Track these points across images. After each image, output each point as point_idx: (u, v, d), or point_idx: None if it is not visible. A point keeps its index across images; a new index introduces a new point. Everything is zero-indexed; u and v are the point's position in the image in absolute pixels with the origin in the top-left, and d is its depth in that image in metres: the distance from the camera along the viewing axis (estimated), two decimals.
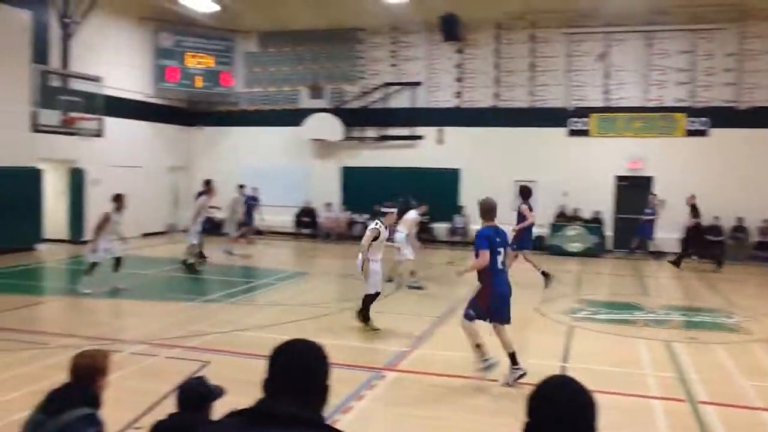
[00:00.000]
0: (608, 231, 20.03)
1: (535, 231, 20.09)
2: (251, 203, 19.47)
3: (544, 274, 13.86)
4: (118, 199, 12.43)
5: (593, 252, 19.03)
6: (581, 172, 20.15)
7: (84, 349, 3.60)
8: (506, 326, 7.49)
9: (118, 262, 12.30)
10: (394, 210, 10.40)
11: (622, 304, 12.55)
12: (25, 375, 7.14)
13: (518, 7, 20.11)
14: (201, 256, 15.65)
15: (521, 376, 7.23)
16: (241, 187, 18.55)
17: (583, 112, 20.58)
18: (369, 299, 9.61)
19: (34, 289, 13.45)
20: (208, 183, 16.08)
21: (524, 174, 20.76)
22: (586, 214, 20.05)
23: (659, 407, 6.87)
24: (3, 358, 7.82)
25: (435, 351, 8.68)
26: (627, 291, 14.15)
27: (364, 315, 9.65)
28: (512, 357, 7.36)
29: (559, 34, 20.73)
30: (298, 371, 2.18)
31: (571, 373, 6.93)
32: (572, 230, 19.35)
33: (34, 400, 3.48)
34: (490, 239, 7.25)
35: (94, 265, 11.97)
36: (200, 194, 16.20)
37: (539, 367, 7.91)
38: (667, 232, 18.28)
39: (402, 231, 12.94)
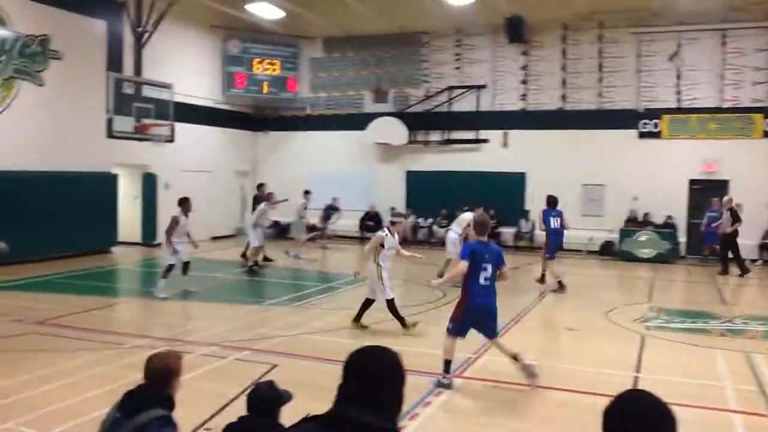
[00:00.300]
0: (681, 236, 19.38)
1: (605, 236, 19.82)
2: (330, 212, 20.00)
3: (560, 284, 13.78)
4: (184, 202, 12.66)
5: (665, 258, 18.43)
6: (652, 176, 19.57)
7: (157, 351, 3.66)
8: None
9: (186, 265, 12.57)
10: (403, 219, 10.42)
11: (696, 312, 12.09)
12: (102, 374, 7.37)
13: (585, 7, 19.68)
14: (266, 259, 15.98)
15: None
16: (307, 192, 18.77)
17: (654, 113, 19.99)
18: (391, 305, 9.72)
19: (110, 291, 13.93)
20: (261, 186, 16.54)
21: (592, 177, 20.39)
22: (658, 219, 19.44)
23: (739, 422, 6.57)
24: (82, 357, 8.10)
25: (500, 359, 8.53)
26: (702, 299, 13.65)
27: (357, 316, 9.88)
28: (515, 357, 7.34)
29: (628, 33, 20.19)
30: (373, 378, 2.16)
31: (644, 385, 6.73)
32: (643, 235, 18.81)
33: (111, 399, 3.56)
34: (474, 252, 7.24)
35: (170, 267, 12.25)
36: (256, 198, 16.72)
37: (611, 377, 7.72)
38: (745, 238, 17.49)
39: (455, 230, 13.01)
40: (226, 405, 6.41)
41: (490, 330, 7.47)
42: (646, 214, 19.55)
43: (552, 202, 14.56)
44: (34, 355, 8.19)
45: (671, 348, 9.47)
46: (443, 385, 7.24)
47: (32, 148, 16.09)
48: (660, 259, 18.35)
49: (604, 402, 2.19)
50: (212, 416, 6.13)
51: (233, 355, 8.41)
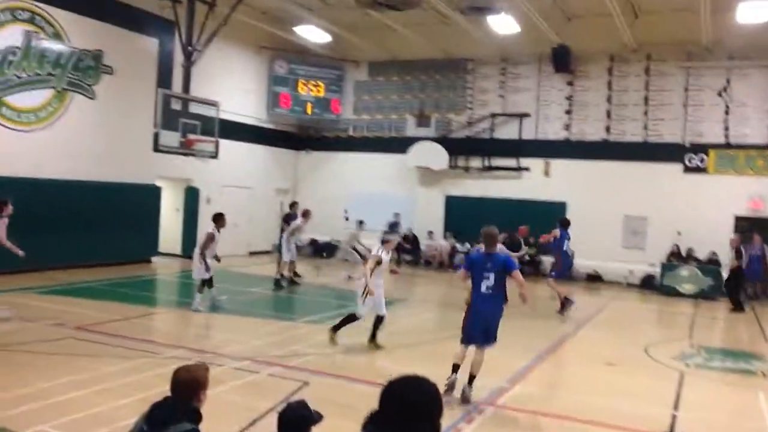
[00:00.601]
0: (725, 273, 18.86)
1: (646, 269, 19.45)
2: (393, 228, 20.23)
3: (567, 300, 13.96)
4: (219, 218, 12.72)
5: (708, 295, 17.95)
6: (697, 211, 19.17)
7: (185, 363, 3.66)
8: (486, 349, 7.76)
9: (210, 279, 12.55)
10: (394, 238, 10.51)
11: (739, 352, 11.74)
12: (136, 382, 7.43)
13: (634, 39, 19.52)
14: (295, 274, 16.11)
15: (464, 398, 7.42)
16: (361, 223, 19.12)
17: (701, 148, 19.64)
18: (352, 318, 9.99)
19: (148, 300, 14.13)
20: (293, 205, 16.85)
21: (635, 210, 20.10)
22: (702, 255, 19.00)
23: None
24: (118, 364, 8.21)
25: (535, 389, 8.40)
26: (744, 337, 13.26)
27: (335, 327, 9.99)
28: (471, 379, 7.57)
29: (676, 67, 19.96)
30: (411, 408, 2.15)
31: (684, 424, 6.53)
32: (686, 271, 18.38)
33: (143, 408, 3.57)
34: (473, 262, 7.76)
35: (204, 282, 12.29)
36: (287, 216, 16.93)
37: (649, 414, 7.53)
38: None
39: None
40: (256, 420, 6.41)
41: (492, 333, 7.70)
42: (689, 249, 19.13)
43: (566, 223, 14.79)
44: (72, 360, 8.33)
45: (711, 387, 9.21)
46: (448, 386, 7.44)
47: (81, 158, 16.53)
48: (702, 296, 17.90)
49: None
50: (242, 431, 6.13)
51: (265, 370, 8.42)
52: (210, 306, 12.41)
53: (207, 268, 12.19)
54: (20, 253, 11.32)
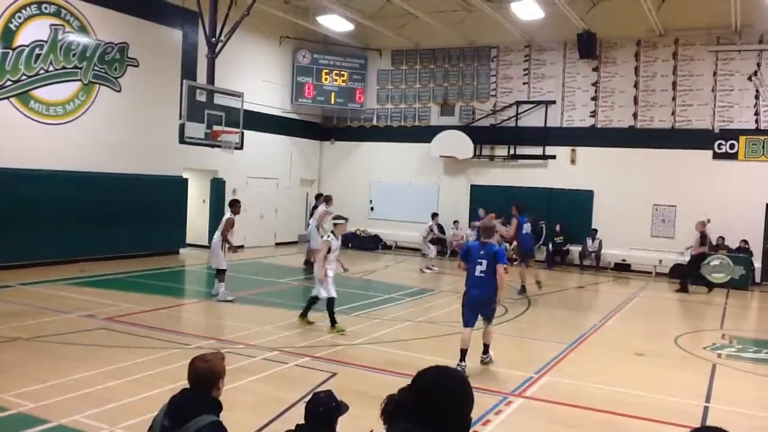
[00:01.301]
0: (757, 262, 18.58)
1: (675, 258, 19.18)
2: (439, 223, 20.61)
3: (523, 288, 14.40)
4: (235, 204, 12.91)
5: (739, 284, 17.67)
6: (727, 198, 18.84)
7: (200, 353, 3.66)
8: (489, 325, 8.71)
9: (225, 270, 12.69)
10: (343, 221, 10.68)
11: None
12: (166, 373, 7.51)
13: (661, 24, 19.18)
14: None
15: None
16: (435, 215, 19.94)
17: (731, 134, 19.27)
18: (330, 303, 10.29)
19: (177, 291, 14.27)
20: (319, 197, 17.11)
21: (663, 198, 19.84)
22: (732, 243, 18.70)
23: None
24: (148, 355, 8.30)
25: (564, 380, 8.34)
26: None
27: (331, 318, 10.29)
28: (485, 348, 8.76)
29: (706, 51, 19.58)
30: (440, 400, 2.12)
31: (715, 415, 6.41)
32: (716, 260, 18.08)
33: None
34: (468, 250, 8.65)
35: (224, 271, 12.48)
36: (315, 207, 17.12)
37: (681, 406, 7.45)
38: None
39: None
40: (285, 410, 6.45)
41: (488, 311, 8.56)
42: (719, 238, 18.83)
43: (523, 208, 14.97)
44: (104, 350, 8.44)
45: (744, 378, 9.05)
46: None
47: (108, 151, 16.70)
48: (733, 285, 17.61)
49: None
50: (271, 421, 6.17)
51: (293, 361, 8.46)
52: (213, 295, 12.60)
53: (234, 247, 12.47)
54: None
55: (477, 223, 16.62)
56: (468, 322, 8.43)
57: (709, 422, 6.89)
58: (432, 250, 19.35)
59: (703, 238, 16.76)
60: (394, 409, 2.18)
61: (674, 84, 20.01)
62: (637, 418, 6.96)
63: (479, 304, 8.43)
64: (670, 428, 6.63)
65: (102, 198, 16.30)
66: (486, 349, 8.74)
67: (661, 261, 19.33)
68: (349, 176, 24.46)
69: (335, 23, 21.24)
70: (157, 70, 17.97)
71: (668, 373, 9.06)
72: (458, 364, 8.05)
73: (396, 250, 22.87)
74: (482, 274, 8.34)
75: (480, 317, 8.55)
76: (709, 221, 18.92)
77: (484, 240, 8.60)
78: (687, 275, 17.08)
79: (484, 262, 8.32)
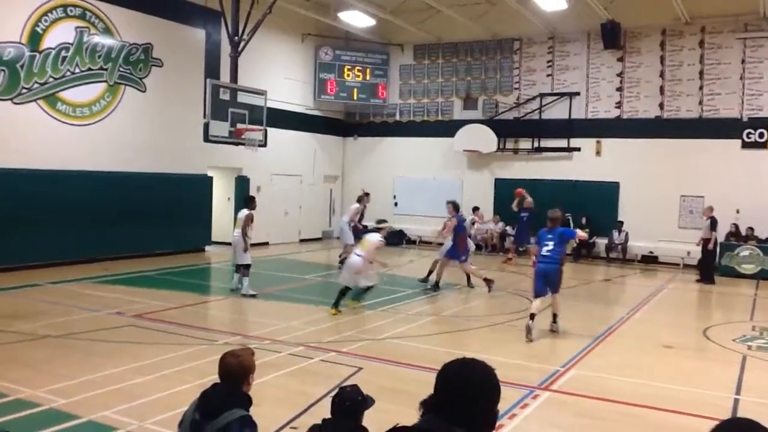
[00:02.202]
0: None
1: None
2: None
3: (486, 280, 14.28)
4: (252, 200, 13.18)
5: None
6: (757, 188, 18.53)
7: (229, 349, 3.69)
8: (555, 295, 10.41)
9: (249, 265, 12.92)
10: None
11: None
12: (193, 369, 7.59)
13: (687, 12, 18.89)
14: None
15: None
16: (476, 209, 19.29)
17: (760, 122, 18.91)
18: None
19: (203, 288, 14.41)
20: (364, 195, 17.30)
21: (691, 189, 19.56)
22: (762, 234, 18.39)
23: None
24: (176, 351, 8.40)
25: (591, 373, 8.27)
26: None
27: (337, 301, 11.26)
28: (554, 317, 10.41)
29: (733, 39, 19.23)
30: (467, 393, 2.11)
31: (746, 408, 6.30)
32: (746, 250, 17.81)
33: (199, 394, 3.61)
34: (539, 235, 10.61)
35: (247, 266, 12.63)
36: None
37: (710, 398, 7.35)
38: None
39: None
40: (312, 405, 6.48)
41: (554, 283, 10.23)
42: (749, 228, 18.53)
43: (458, 206, 15.12)
44: (132, 347, 8.55)
45: None
46: (527, 329, 9.79)
47: (134, 150, 16.89)
48: (764, 276, 17.32)
49: (705, 425, 2.05)
50: (298, 415, 6.20)
51: (319, 356, 8.50)
52: (232, 290, 12.73)
53: (246, 249, 12.55)
54: None
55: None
56: (539, 292, 10.19)
57: (740, 414, 6.79)
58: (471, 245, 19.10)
59: (713, 224, 16.55)
60: (423, 405, 2.17)
61: (701, 73, 19.70)
62: (665, 411, 6.88)
63: (544, 275, 10.19)
64: (700, 421, 6.54)
65: (128, 197, 16.50)
66: (555, 318, 10.34)
67: (689, 253, 19.04)
68: (373, 172, 24.47)
69: (357, 19, 21.25)
70: (181, 69, 18.14)
71: (697, 365, 8.95)
72: (527, 324, 9.79)
73: (420, 245, 22.84)
74: (548, 252, 10.17)
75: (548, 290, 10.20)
76: (738, 212, 18.67)
77: (550, 226, 10.37)
78: (709, 265, 16.83)
79: (551, 243, 10.14)
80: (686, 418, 6.68)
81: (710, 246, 16.62)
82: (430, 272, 14.38)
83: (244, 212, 12.90)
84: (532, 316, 9.86)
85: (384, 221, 12.23)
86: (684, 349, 9.82)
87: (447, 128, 22.92)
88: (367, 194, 17.77)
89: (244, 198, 14.23)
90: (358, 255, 11.32)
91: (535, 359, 8.77)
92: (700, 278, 16.75)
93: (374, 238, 11.55)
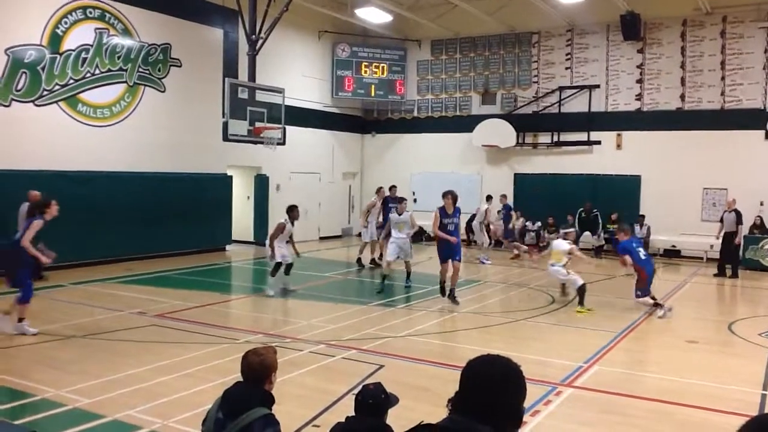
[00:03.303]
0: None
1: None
2: (507, 212, 20.45)
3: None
4: (292, 210, 12.99)
5: None
6: None
7: (251, 348, 3.69)
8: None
9: (290, 266, 12.90)
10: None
11: None
12: (216, 368, 7.63)
13: (708, 1, 18.62)
14: (372, 261, 16.18)
15: None
16: (489, 198, 19.81)
17: None
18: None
19: (224, 287, 14.48)
20: (391, 188, 17.24)
21: (714, 181, 19.32)
22: None
23: None
24: (198, 350, 8.44)
25: (614, 369, 8.20)
26: None
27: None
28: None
29: (756, 28, 18.93)
30: (492, 390, 2.07)
31: None
32: None
33: (222, 392, 3.61)
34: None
35: (277, 266, 12.63)
36: (384, 199, 17.27)
37: (737, 393, 7.25)
38: None
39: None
40: (334, 403, 6.48)
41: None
42: None
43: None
44: (155, 346, 8.61)
45: None
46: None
47: (154, 150, 17.01)
48: None
49: (732, 421, 2.00)
50: (320, 413, 6.20)
51: (340, 353, 8.50)
52: (281, 291, 12.67)
53: (273, 257, 12.55)
54: (46, 260, 9.38)
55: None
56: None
57: None
58: (486, 239, 19.11)
59: (739, 216, 16.25)
60: (450, 405, 2.14)
61: (723, 63, 19.43)
62: (691, 407, 6.80)
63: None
64: (726, 417, 6.45)
65: (148, 197, 16.62)
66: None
67: (712, 246, 18.74)
68: (392, 168, 24.43)
69: (373, 15, 21.21)
70: (199, 69, 18.23)
71: (723, 360, 8.84)
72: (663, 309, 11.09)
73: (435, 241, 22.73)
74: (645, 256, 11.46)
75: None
76: (762, 204, 18.40)
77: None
78: (735, 259, 16.55)
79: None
80: (713, 414, 6.60)
81: (737, 240, 16.26)
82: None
83: (279, 220, 12.89)
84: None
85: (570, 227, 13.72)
86: (709, 344, 9.70)
87: (465, 123, 22.83)
88: (380, 188, 17.69)
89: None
90: (552, 266, 12.10)
91: (558, 355, 8.70)
92: (718, 272, 16.49)
93: (563, 246, 12.16)
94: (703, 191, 19.52)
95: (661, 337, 10.04)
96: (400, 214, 13.88)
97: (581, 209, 20.21)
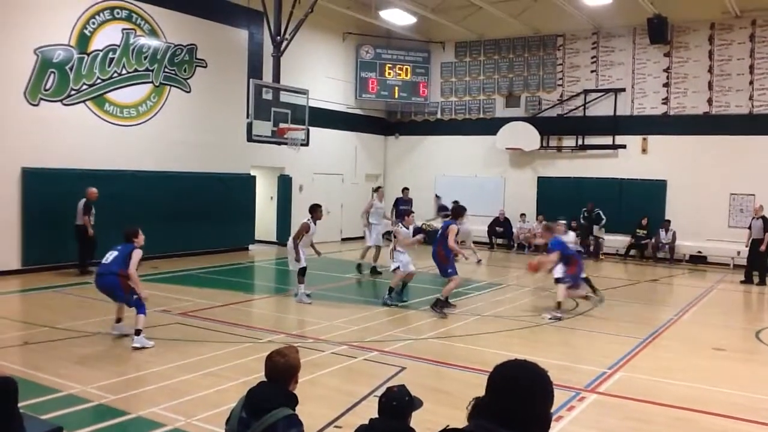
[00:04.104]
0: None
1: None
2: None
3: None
4: (315, 209, 12.50)
5: None
6: None
7: (275, 348, 3.69)
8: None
9: (304, 269, 12.35)
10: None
11: None
12: (238, 366, 7.67)
13: (737, 5, 18.36)
14: (373, 270, 15.68)
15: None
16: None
17: None
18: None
19: (247, 287, 14.55)
20: (405, 191, 16.83)
21: (742, 186, 19.04)
22: None
23: None
24: (222, 348, 8.49)
25: (638, 375, 8.10)
26: None
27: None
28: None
29: None
30: (519, 395, 2.06)
31: None
32: None
33: (245, 391, 3.62)
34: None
35: (303, 270, 12.08)
36: (396, 200, 16.96)
37: (764, 403, 7.13)
38: None
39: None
40: (356, 404, 6.48)
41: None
42: None
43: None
44: (179, 345, 8.68)
45: None
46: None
47: (179, 150, 17.16)
48: None
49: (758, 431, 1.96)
50: (341, 415, 6.20)
51: (362, 355, 8.50)
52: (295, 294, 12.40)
53: (298, 258, 12.00)
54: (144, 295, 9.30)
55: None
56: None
57: None
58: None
59: (766, 223, 16.01)
60: (473, 409, 2.12)
61: (751, 67, 19.16)
62: (716, 415, 6.69)
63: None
64: (753, 426, 6.35)
65: (174, 197, 16.75)
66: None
67: (739, 252, 18.51)
68: (415, 170, 24.43)
69: (398, 17, 21.22)
70: (224, 70, 18.36)
71: (750, 368, 8.70)
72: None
73: (461, 244, 22.66)
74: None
75: None
76: None
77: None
78: (762, 266, 16.26)
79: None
80: (738, 423, 6.49)
81: (763, 247, 16.03)
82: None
83: (303, 220, 12.46)
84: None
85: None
86: (736, 352, 9.56)
87: (489, 126, 22.75)
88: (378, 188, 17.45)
89: None
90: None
91: (582, 361, 8.63)
92: (745, 279, 16.30)
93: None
94: (730, 197, 19.25)
95: (686, 344, 9.90)
96: (407, 227, 12.73)
97: (584, 209, 20.31)
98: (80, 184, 14.72)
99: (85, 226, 13.98)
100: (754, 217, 16.54)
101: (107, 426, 5.90)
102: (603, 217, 20.32)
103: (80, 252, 14.22)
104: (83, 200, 14.12)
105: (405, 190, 17.89)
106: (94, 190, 14.28)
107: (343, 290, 13.69)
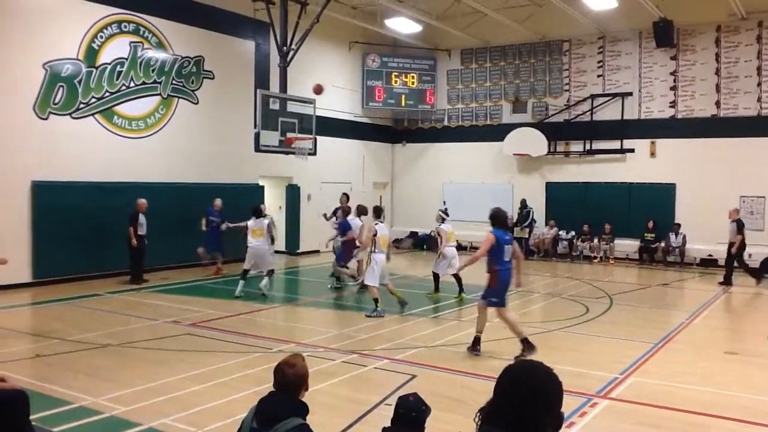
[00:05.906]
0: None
1: (766, 252, 18.24)
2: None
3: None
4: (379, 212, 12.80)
5: None
6: None
7: (284, 358, 3.69)
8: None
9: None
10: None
11: None
12: (249, 377, 7.68)
13: (743, 7, 18.32)
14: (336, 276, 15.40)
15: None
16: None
17: None
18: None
19: (257, 296, 14.52)
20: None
21: (751, 189, 18.94)
22: None
23: None
24: (232, 359, 8.50)
25: (650, 380, 8.05)
26: None
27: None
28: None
29: None
30: (526, 395, 2.03)
31: None
32: None
33: (256, 401, 3.63)
34: (497, 238, 9.04)
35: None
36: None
37: None
38: None
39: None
40: (366, 413, 6.47)
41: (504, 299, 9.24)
42: None
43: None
44: (189, 356, 8.69)
45: None
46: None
47: (187, 161, 17.24)
48: None
49: None
50: (352, 423, 6.19)
51: (372, 363, 8.49)
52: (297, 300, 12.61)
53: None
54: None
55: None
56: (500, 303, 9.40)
57: None
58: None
59: (740, 228, 16.09)
60: (483, 414, 2.10)
61: (759, 69, 19.09)
62: (729, 420, 6.65)
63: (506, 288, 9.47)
64: (765, 430, 6.30)
65: (183, 208, 16.80)
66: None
67: (750, 255, 18.39)
68: (422, 178, 24.46)
69: (403, 25, 21.30)
70: (231, 81, 18.46)
71: (763, 372, 8.63)
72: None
73: (471, 251, 22.64)
74: (509, 259, 9.25)
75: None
76: None
77: (501, 228, 9.54)
78: (754, 269, 16.53)
79: (509, 247, 9.19)
80: (753, 428, 6.43)
81: (734, 250, 16.06)
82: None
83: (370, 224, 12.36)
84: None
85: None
86: (748, 356, 9.49)
87: (496, 132, 22.74)
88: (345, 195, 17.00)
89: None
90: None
91: (593, 366, 8.58)
92: (723, 281, 16.36)
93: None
94: (740, 199, 19.14)
95: (698, 348, 9.84)
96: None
97: (519, 207, 21.27)
98: (90, 196, 14.82)
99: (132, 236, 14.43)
100: (730, 220, 16.46)
101: None
102: (532, 218, 21.20)
103: (130, 261, 14.78)
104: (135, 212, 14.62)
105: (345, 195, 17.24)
106: (143, 201, 14.74)
107: (353, 299, 13.67)
